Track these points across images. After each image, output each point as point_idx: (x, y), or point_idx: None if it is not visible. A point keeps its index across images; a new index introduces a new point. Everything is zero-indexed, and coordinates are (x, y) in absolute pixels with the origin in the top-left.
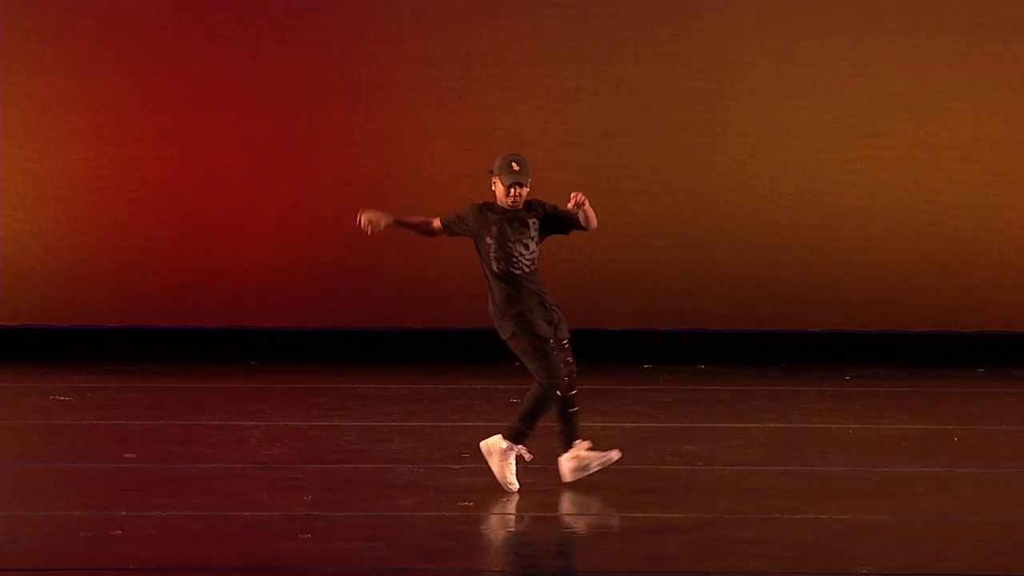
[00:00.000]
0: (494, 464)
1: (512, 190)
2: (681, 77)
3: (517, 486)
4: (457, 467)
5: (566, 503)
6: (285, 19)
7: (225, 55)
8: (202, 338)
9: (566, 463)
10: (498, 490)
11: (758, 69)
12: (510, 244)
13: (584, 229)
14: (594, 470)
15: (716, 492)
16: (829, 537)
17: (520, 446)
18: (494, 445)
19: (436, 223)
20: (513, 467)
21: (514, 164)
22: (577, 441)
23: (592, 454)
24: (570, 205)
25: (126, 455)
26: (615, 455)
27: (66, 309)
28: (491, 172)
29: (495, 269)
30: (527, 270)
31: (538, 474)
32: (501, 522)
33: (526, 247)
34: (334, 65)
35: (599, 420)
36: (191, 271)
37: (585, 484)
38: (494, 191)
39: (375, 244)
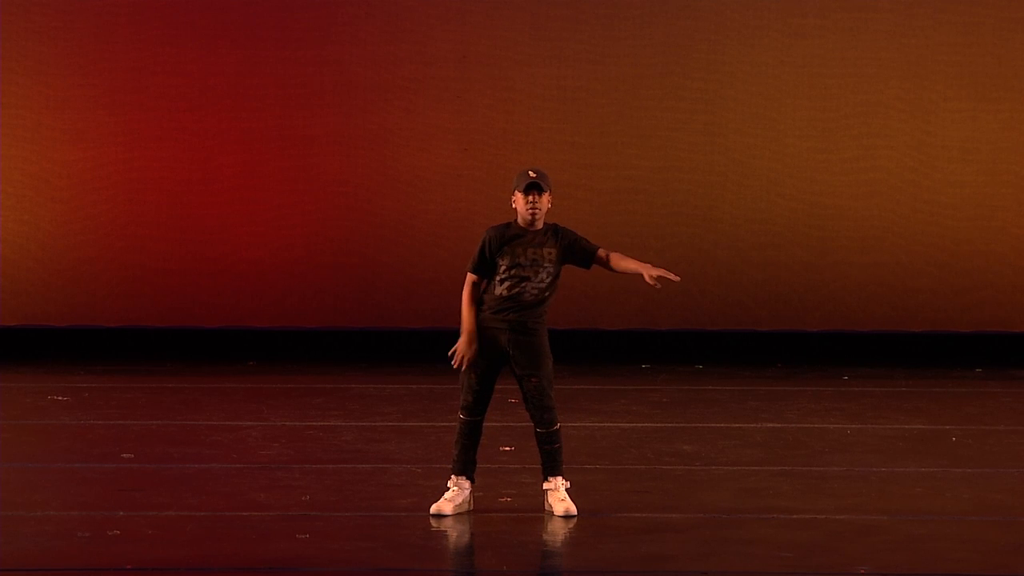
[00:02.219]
0: (445, 504)
1: (530, 196)
2: (679, 77)
3: (446, 512)
4: None
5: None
6: (283, 19)
7: (223, 55)
8: (199, 338)
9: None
10: (495, 490)
11: (756, 69)
12: (521, 269)
13: (611, 270)
14: (561, 509)
15: (714, 492)
16: (827, 537)
17: (464, 481)
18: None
19: (472, 277)
20: (454, 508)
21: (531, 172)
22: (551, 477)
23: (556, 499)
24: (647, 278)
25: (124, 455)
26: (574, 511)
27: (64, 309)
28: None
29: (495, 290)
30: (527, 298)
31: (537, 474)
32: (499, 522)
33: (536, 273)
34: (332, 65)
35: (597, 420)
36: (188, 271)
37: (583, 484)
38: (515, 208)
39: (373, 244)
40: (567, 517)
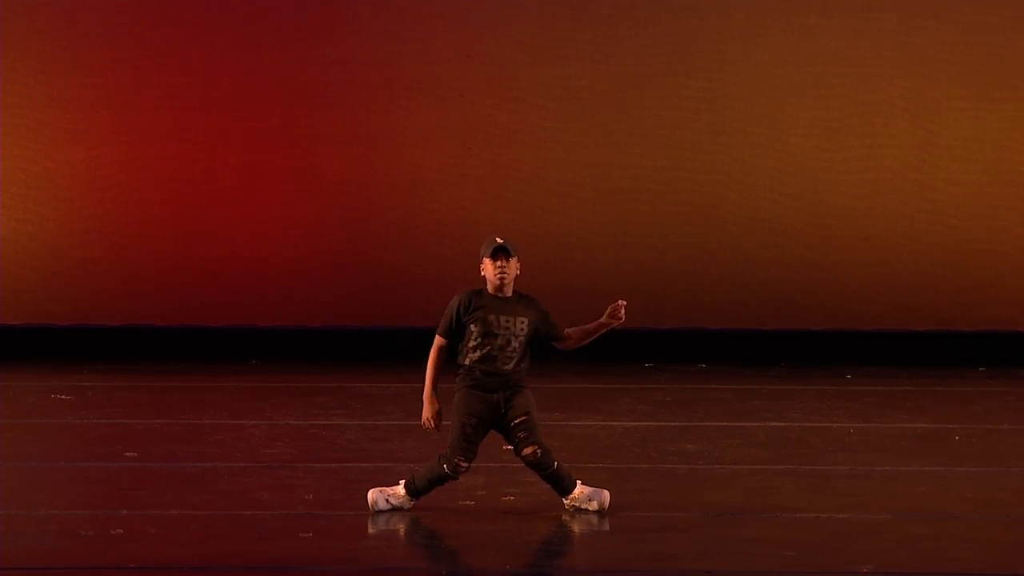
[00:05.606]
0: (378, 493)
1: (498, 261)
2: (682, 76)
3: (378, 509)
4: None
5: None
6: (286, 18)
7: (226, 54)
8: (203, 337)
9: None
10: (499, 490)
11: (759, 68)
12: (493, 338)
13: (573, 347)
14: (592, 507)
15: (717, 491)
16: (830, 536)
17: (408, 498)
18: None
19: (440, 341)
20: (386, 505)
21: (497, 239)
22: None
23: (586, 489)
24: (609, 314)
25: (127, 454)
26: (606, 495)
27: (67, 308)
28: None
29: (469, 360)
30: (504, 368)
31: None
32: (502, 521)
33: (508, 343)
34: (335, 64)
35: (601, 419)
36: (192, 270)
37: (587, 483)
38: (484, 275)
39: (376, 243)
40: (602, 510)
